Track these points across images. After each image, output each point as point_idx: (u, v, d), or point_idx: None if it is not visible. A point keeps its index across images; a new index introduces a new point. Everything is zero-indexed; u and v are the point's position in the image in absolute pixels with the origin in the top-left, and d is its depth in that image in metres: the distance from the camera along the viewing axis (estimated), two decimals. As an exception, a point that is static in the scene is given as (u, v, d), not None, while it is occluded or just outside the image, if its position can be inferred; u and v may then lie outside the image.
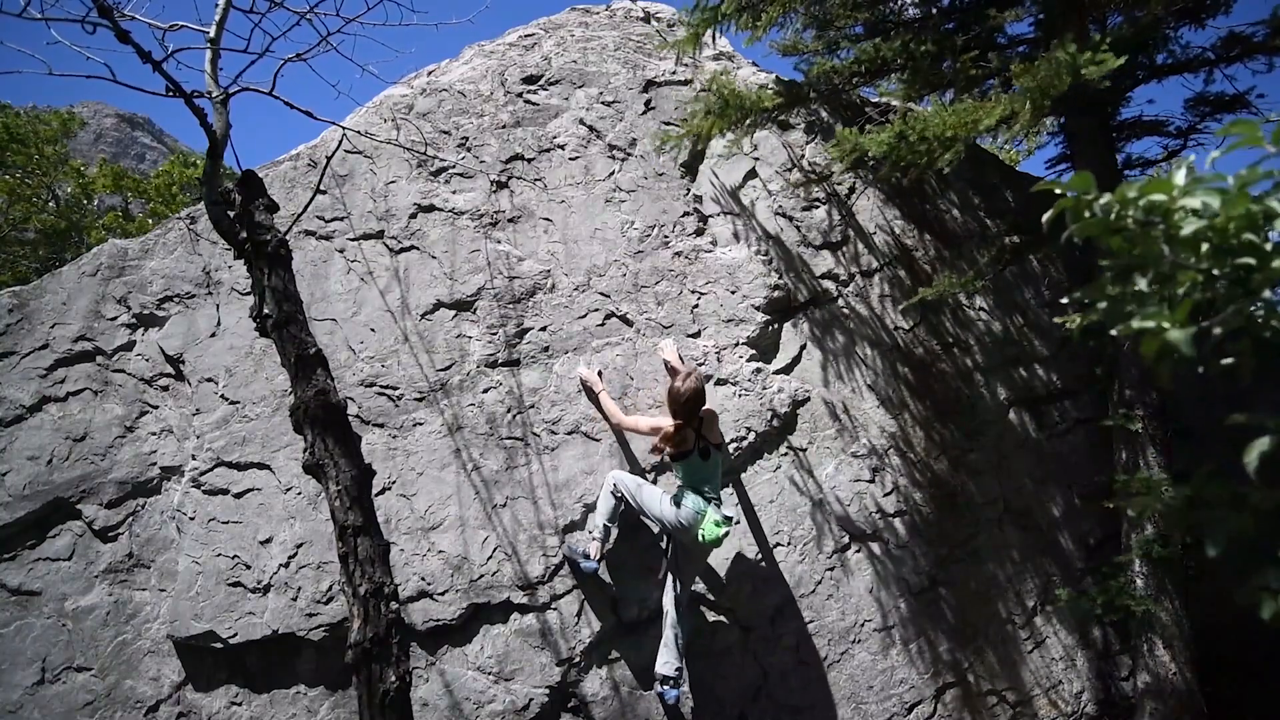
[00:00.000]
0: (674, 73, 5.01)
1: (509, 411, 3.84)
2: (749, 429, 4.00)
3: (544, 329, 4.04)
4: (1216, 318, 0.86)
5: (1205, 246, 0.87)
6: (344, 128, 4.01)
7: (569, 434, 3.85)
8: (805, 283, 4.50)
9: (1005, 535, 4.27)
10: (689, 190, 4.56)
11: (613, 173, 4.49)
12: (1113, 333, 0.93)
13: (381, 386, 3.83)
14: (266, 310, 2.56)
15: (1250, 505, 0.86)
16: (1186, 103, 4.99)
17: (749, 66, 5.35)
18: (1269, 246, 0.85)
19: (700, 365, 4.05)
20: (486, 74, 4.73)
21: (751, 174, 4.73)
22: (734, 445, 3.96)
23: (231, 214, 2.61)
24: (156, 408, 3.84)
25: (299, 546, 3.53)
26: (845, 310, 4.51)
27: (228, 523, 3.57)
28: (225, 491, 3.63)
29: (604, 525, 3.50)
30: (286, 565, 3.49)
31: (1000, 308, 4.79)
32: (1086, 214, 0.95)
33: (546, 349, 4.00)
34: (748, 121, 4.22)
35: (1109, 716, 4.05)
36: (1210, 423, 4.48)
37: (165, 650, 3.43)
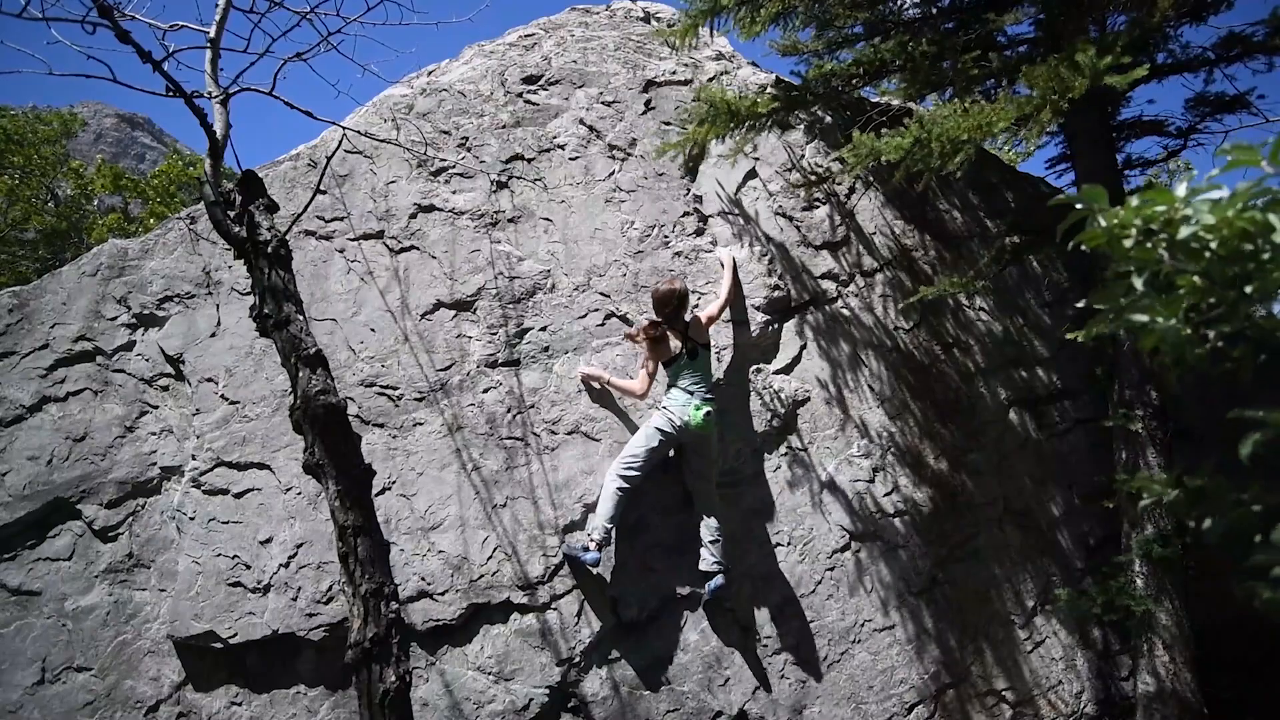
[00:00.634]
0: (674, 73, 5.01)
1: (509, 411, 3.84)
2: (749, 428, 4.00)
3: (544, 329, 4.04)
4: (1213, 319, 0.88)
5: (1205, 254, 0.90)
6: (344, 128, 4.01)
7: (569, 434, 3.85)
8: (805, 283, 4.50)
9: (1005, 535, 4.27)
10: (689, 190, 4.56)
11: (613, 173, 4.49)
12: (1119, 332, 0.96)
13: (381, 386, 3.83)
14: (266, 310, 2.56)
15: (1250, 500, 0.88)
16: (1186, 103, 4.99)
17: (748, 66, 5.35)
18: (1265, 256, 0.88)
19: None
20: (486, 74, 4.73)
21: (751, 174, 4.73)
22: (735, 445, 3.96)
23: (231, 214, 2.61)
24: (156, 408, 3.84)
25: (299, 546, 3.53)
26: (845, 310, 4.51)
27: (228, 523, 3.57)
28: (225, 491, 3.63)
29: (604, 526, 3.49)
30: (286, 565, 3.50)
31: (1001, 308, 4.80)
32: (1093, 226, 1.00)
33: (546, 349, 4.00)
34: (745, 128, 4.23)
35: (1109, 716, 4.05)
36: (1210, 423, 4.49)
37: (165, 650, 3.43)
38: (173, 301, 3.99)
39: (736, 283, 4.20)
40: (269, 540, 3.54)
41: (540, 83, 4.76)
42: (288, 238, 2.69)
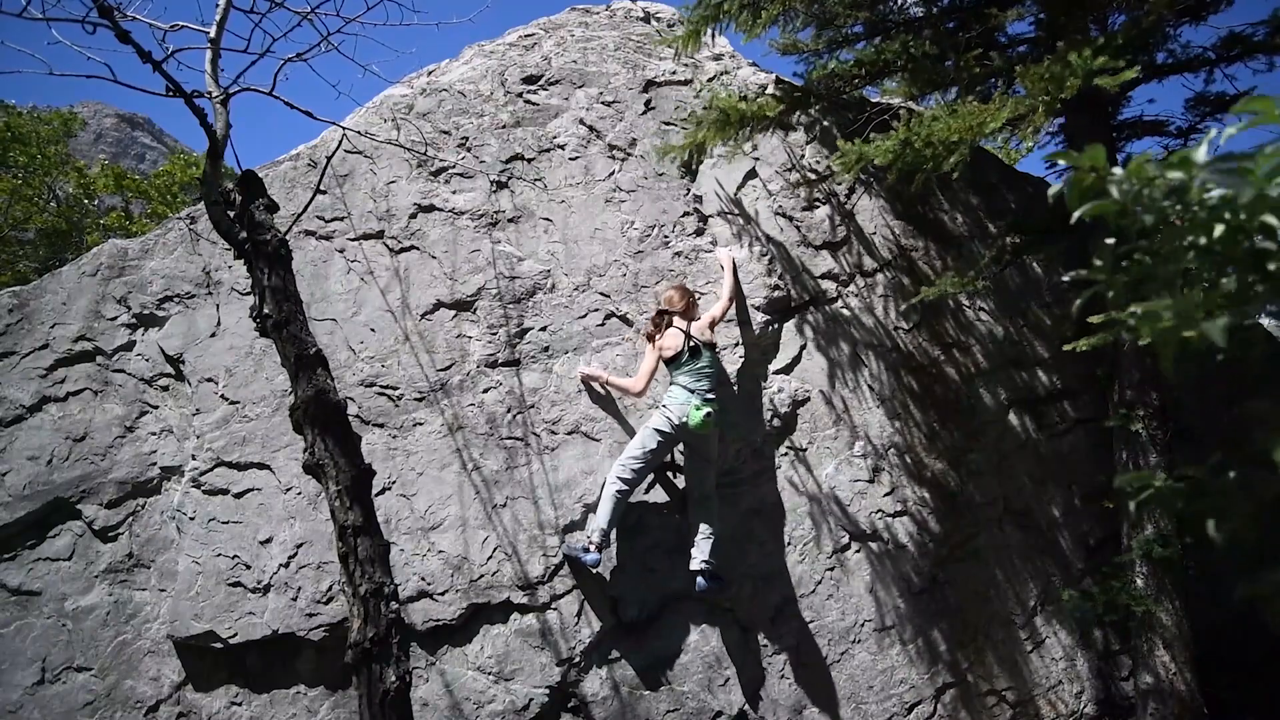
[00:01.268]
0: (674, 73, 5.01)
1: (509, 411, 3.84)
2: (749, 429, 4.00)
3: (544, 329, 4.04)
4: (1226, 305, 0.81)
5: (1220, 229, 0.81)
6: (344, 128, 4.01)
7: (569, 434, 3.85)
8: (805, 283, 4.50)
9: (1005, 535, 4.27)
10: (689, 190, 4.56)
11: (613, 173, 4.49)
12: (1124, 334, 0.88)
13: (381, 386, 3.83)
14: (266, 310, 2.56)
15: (1255, 493, 0.84)
16: (1187, 103, 4.99)
17: (749, 66, 5.35)
18: None
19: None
20: (486, 74, 4.73)
21: (752, 174, 4.73)
22: (735, 445, 3.96)
23: (231, 214, 2.61)
24: (156, 408, 3.84)
25: (299, 546, 3.53)
26: (845, 311, 4.51)
27: (228, 523, 3.57)
28: (225, 491, 3.63)
29: (604, 528, 3.49)
30: (286, 565, 3.49)
31: (1001, 309, 4.79)
32: (1101, 192, 0.88)
33: (547, 349, 4.00)
34: (747, 130, 4.23)
35: (1109, 716, 4.05)
36: (1210, 423, 4.49)
37: (165, 650, 3.43)
38: (173, 301, 3.99)
39: (737, 283, 4.20)
40: (269, 540, 3.54)
41: (540, 83, 4.76)
42: (288, 238, 2.69)
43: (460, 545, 3.57)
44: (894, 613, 3.90)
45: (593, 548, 3.45)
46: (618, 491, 3.52)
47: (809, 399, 4.21)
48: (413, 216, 4.21)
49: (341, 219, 4.17)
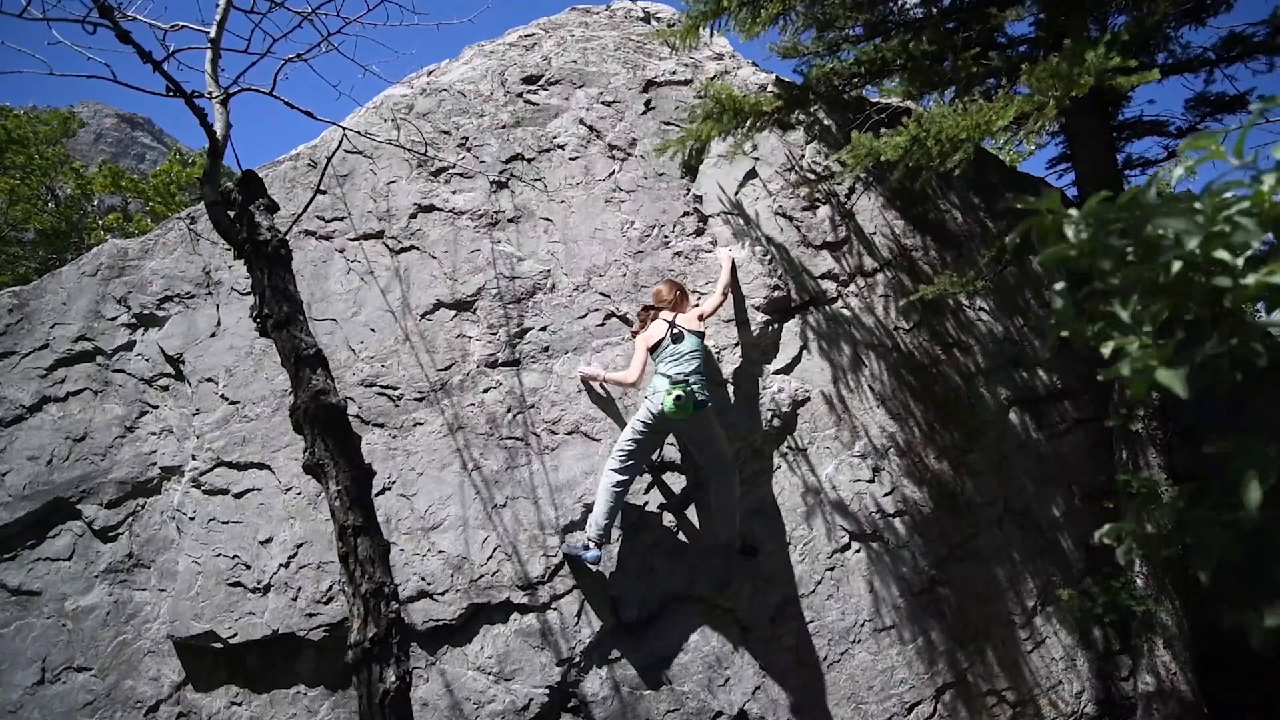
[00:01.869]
0: (674, 73, 5.01)
1: (509, 411, 3.84)
2: (749, 429, 4.00)
3: (544, 329, 4.04)
4: (1191, 342, 0.84)
5: (1177, 265, 0.84)
6: (344, 128, 4.01)
7: (569, 434, 3.85)
8: (805, 283, 4.50)
9: (1005, 535, 4.27)
10: (689, 190, 4.56)
11: (613, 173, 4.49)
12: (1099, 377, 0.90)
13: (381, 386, 3.83)
14: (266, 310, 2.56)
15: (1238, 529, 0.85)
16: (1187, 103, 5.00)
17: (749, 66, 5.35)
18: (1240, 263, 0.82)
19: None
20: (486, 74, 4.73)
21: (752, 174, 4.73)
22: (735, 445, 3.96)
23: (231, 214, 2.61)
24: (156, 408, 3.83)
25: (299, 546, 3.53)
26: (845, 311, 4.51)
27: (228, 523, 3.57)
28: (225, 491, 3.63)
29: (602, 524, 3.48)
30: (286, 565, 3.49)
31: (1001, 309, 4.79)
32: (1057, 234, 0.93)
33: (547, 349, 4.00)
34: (747, 125, 4.22)
35: (1109, 716, 4.05)
36: (1210, 423, 4.49)
37: (165, 650, 3.43)
38: (173, 301, 3.99)
39: (736, 283, 4.20)
40: (269, 540, 3.54)
41: (540, 83, 4.76)
42: (288, 238, 2.68)
43: (460, 545, 3.57)
44: (894, 613, 3.90)
45: (592, 545, 3.45)
46: (612, 484, 3.51)
47: (809, 399, 4.21)
48: (413, 216, 4.21)
49: (341, 219, 4.17)
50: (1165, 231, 0.84)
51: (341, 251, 4.10)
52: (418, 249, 4.14)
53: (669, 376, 3.54)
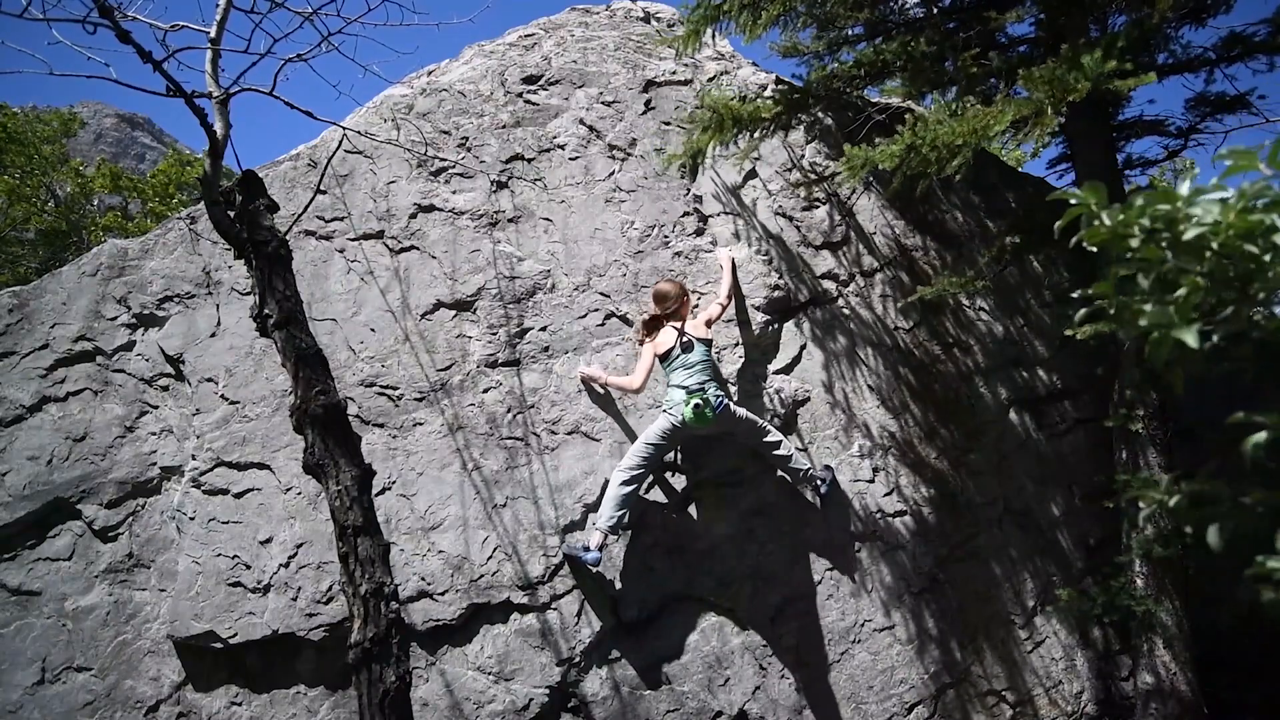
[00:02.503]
0: (674, 73, 5.01)
1: (509, 411, 3.84)
2: (749, 429, 4.00)
3: (544, 329, 4.04)
4: (1218, 320, 0.88)
5: (1207, 254, 0.90)
6: (344, 128, 4.01)
7: (569, 434, 3.85)
8: (805, 283, 4.50)
9: (1005, 535, 4.27)
10: (689, 190, 4.56)
11: (613, 173, 4.49)
12: (1120, 335, 0.96)
13: (381, 386, 3.83)
14: (266, 310, 2.56)
15: (1250, 506, 0.87)
16: (1187, 103, 4.99)
17: (749, 66, 5.35)
18: (1267, 256, 0.88)
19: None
20: (486, 74, 4.73)
21: (752, 174, 4.73)
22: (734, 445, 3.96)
23: (231, 214, 2.61)
24: (156, 408, 3.83)
25: (299, 546, 3.53)
26: (845, 310, 4.51)
27: (228, 523, 3.57)
28: (225, 491, 3.63)
29: (606, 527, 3.48)
30: (286, 565, 3.49)
31: (1001, 308, 4.79)
32: (1097, 223, 1.00)
33: (547, 349, 4.00)
34: (747, 136, 4.22)
35: (1109, 716, 4.05)
36: (1210, 423, 4.49)
37: (165, 650, 3.43)
38: (173, 301, 3.99)
39: (736, 283, 4.20)
40: (269, 540, 3.54)
41: (540, 83, 4.76)
42: (288, 238, 2.69)
43: (460, 545, 3.57)
44: (894, 612, 3.90)
45: (593, 546, 3.45)
46: (621, 484, 3.52)
47: (809, 399, 4.21)
48: (413, 216, 4.21)
49: (341, 219, 4.17)
50: (1198, 212, 0.91)
51: (341, 251, 4.10)
52: (418, 249, 4.14)
53: (685, 388, 3.58)
